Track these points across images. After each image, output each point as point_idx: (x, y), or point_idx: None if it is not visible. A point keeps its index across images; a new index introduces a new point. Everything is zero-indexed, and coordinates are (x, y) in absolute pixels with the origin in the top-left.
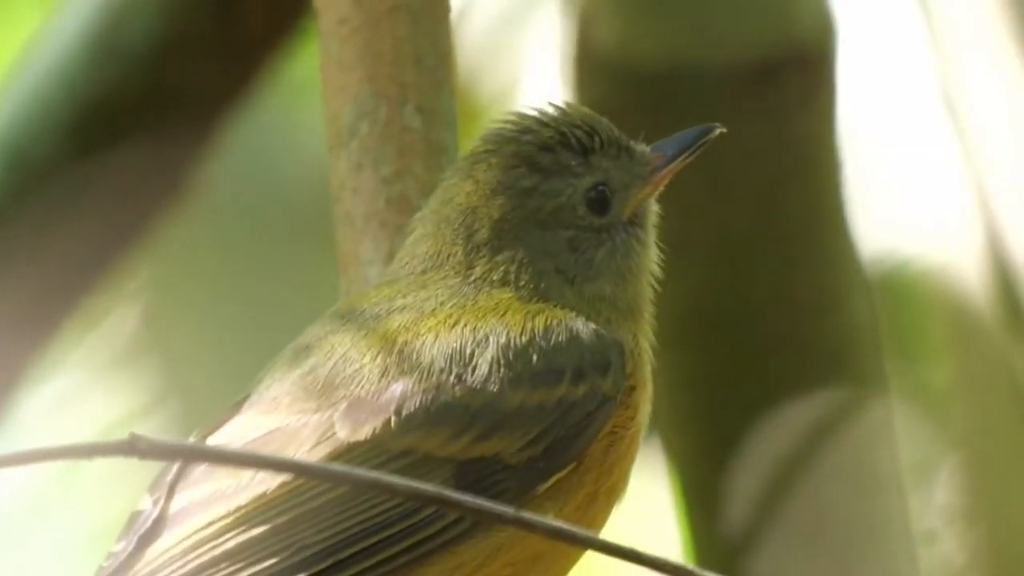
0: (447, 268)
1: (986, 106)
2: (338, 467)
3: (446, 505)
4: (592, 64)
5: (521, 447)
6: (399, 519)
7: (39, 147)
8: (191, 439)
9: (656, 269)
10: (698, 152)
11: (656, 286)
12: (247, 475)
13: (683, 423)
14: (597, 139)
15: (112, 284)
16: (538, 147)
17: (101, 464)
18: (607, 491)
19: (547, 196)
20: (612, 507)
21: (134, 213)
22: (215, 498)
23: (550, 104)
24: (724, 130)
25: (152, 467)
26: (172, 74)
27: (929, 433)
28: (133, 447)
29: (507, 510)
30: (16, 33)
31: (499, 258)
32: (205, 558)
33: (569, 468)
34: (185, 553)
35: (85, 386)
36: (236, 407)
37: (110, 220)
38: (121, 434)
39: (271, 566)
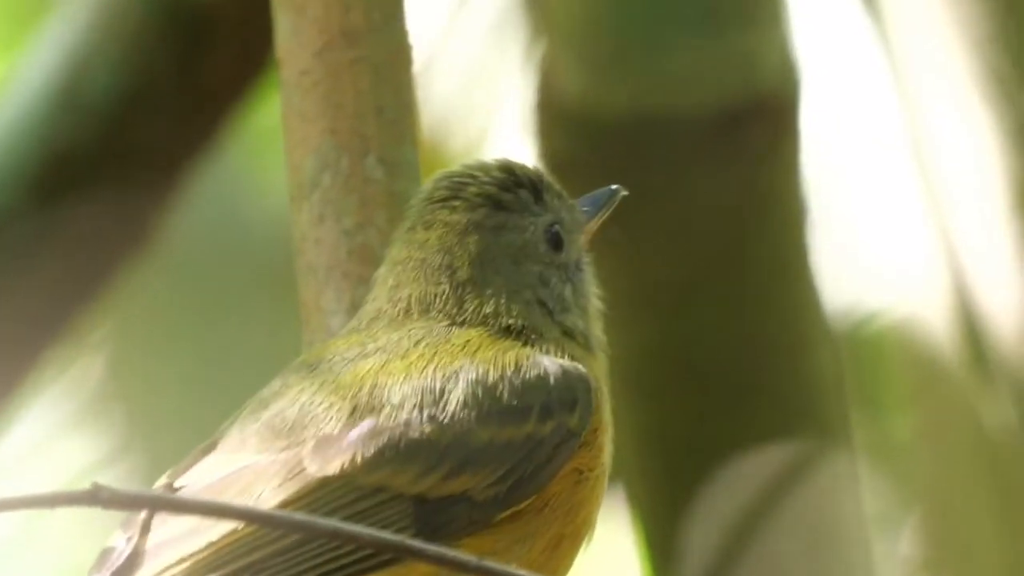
0: (436, 309)
1: (952, 155)
2: (299, 516)
3: (408, 553)
4: (556, 115)
5: (489, 483)
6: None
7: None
8: (161, 480)
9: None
10: (607, 213)
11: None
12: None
13: (646, 472)
14: (544, 183)
15: (75, 335)
16: (498, 187)
17: (66, 513)
18: (573, 533)
19: (515, 231)
20: (578, 550)
21: (96, 265)
22: (190, 533)
23: (488, 159)
24: (627, 193)
25: (117, 516)
26: (134, 126)
27: (893, 484)
28: (96, 497)
29: (471, 558)
30: None
31: (488, 292)
32: None
33: (528, 501)
34: None
35: (49, 436)
36: (203, 451)
37: (72, 272)
38: (85, 483)
39: None
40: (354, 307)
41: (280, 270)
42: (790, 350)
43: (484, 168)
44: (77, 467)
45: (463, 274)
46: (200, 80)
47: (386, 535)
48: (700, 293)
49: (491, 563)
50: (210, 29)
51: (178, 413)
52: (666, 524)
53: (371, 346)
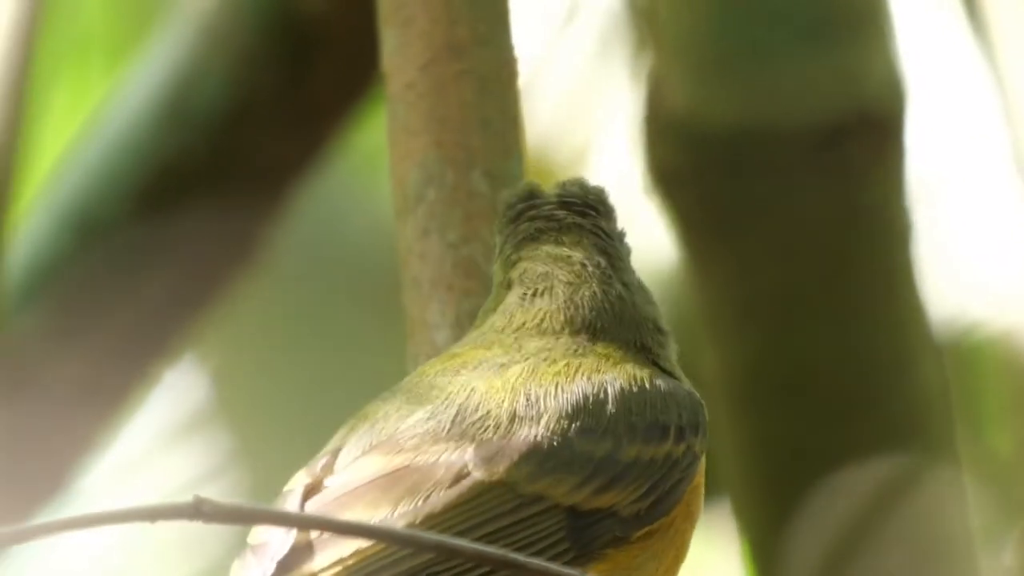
0: (575, 321)
1: None
2: (405, 531)
3: (512, 567)
4: (662, 127)
5: (634, 500)
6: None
7: (107, 212)
8: (295, 480)
9: None
10: None
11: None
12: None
13: (751, 485)
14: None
15: (181, 349)
16: (591, 198)
17: (168, 527)
18: (685, 549)
19: (622, 244)
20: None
21: (201, 279)
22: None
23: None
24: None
25: (217, 530)
26: (240, 141)
27: (997, 498)
28: (197, 510)
29: (574, 573)
30: (87, 98)
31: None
32: None
33: (660, 521)
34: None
35: (154, 449)
36: (333, 455)
37: (177, 286)
38: (187, 497)
39: None
40: (458, 321)
41: (385, 285)
42: (895, 363)
43: (560, 185)
44: (181, 481)
45: (612, 283)
46: (306, 95)
47: (489, 549)
48: (805, 306)
49: None
50: (316, 44)
51: (283, 427)
52: (771, 540)
53: (516, 354)
